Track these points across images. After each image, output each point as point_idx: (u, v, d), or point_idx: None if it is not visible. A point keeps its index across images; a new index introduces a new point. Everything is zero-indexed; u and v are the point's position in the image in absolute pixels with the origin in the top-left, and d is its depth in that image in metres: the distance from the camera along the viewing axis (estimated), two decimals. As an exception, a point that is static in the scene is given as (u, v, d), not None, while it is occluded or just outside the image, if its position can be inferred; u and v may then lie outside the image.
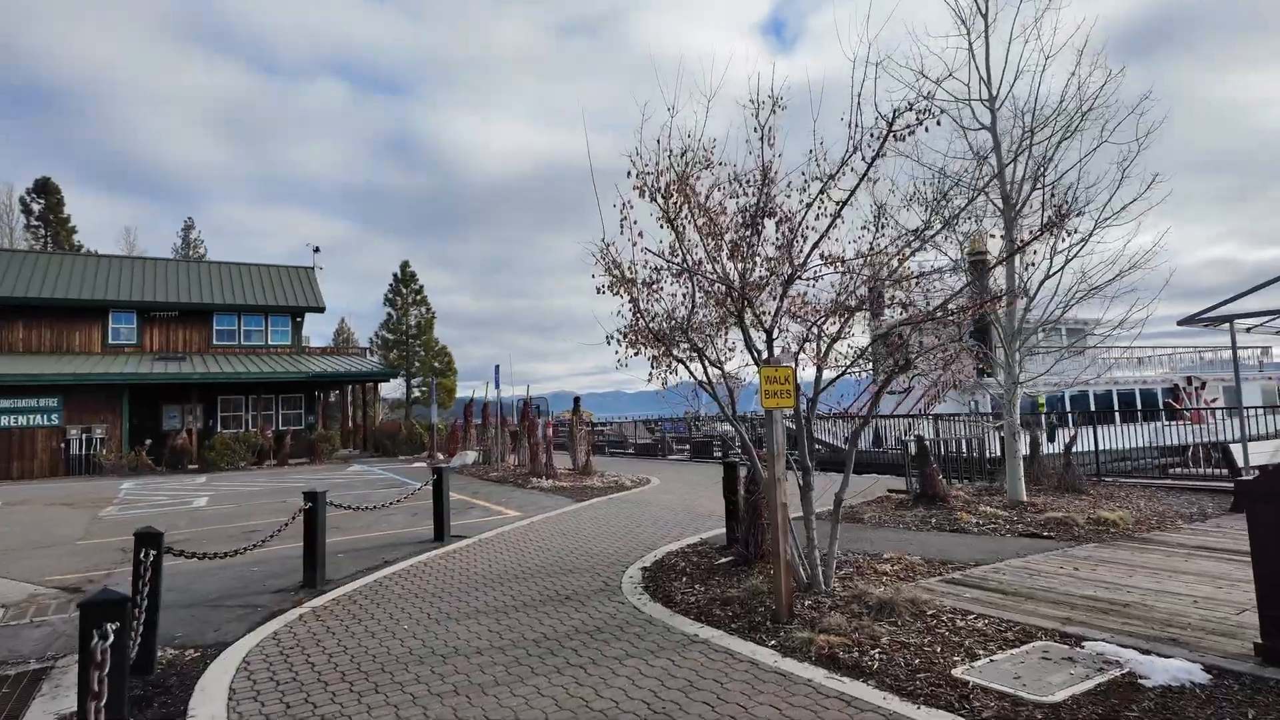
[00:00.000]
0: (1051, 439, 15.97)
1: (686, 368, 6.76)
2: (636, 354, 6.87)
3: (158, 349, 32.76)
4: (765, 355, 6.12)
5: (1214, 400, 31.83)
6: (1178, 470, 16.52)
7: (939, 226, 6.29)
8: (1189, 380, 31.73)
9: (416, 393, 39.56)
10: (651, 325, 6.65)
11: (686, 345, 6.62)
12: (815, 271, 5.98)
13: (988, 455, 15.24)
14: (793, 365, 5.84)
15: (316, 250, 38.42)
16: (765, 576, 6.90)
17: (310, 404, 33.90)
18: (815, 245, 5.79)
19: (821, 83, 5.80)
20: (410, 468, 24.43)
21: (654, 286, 6.42)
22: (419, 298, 39.90)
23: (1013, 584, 6.46)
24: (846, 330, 6.39)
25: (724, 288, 6.10)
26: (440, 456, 26.39)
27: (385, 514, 12.67)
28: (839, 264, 5.87)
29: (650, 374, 6.76)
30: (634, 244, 6.45)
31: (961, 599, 6.04)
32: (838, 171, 5.64)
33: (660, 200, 6.16)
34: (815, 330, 6.11)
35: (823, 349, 6.25)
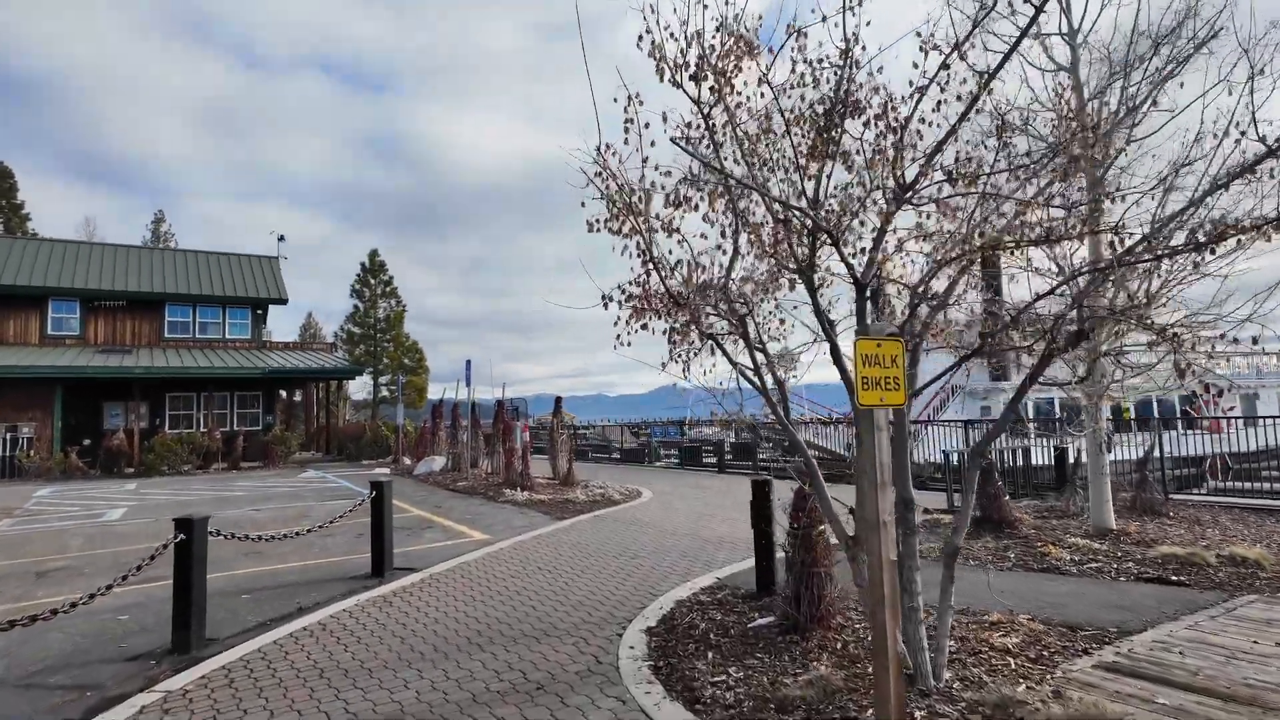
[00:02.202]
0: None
1: (719, 347, 4.55)
2: (644, 326, 4.66)
3: (103, 341, 30.03)
4: (853, 323, 3.92)
5: (1231, 409, 30.19)
6: (1242, 486, 14.55)
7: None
8: (1206, 388, 30.06)
9: (385, 392, 36.95)
10: (669, 282, 4.43)
11: (724, 312, 4.41)
12: (935, 191, 3.79)
13: (1034, 466, 13.19)
14: (901, 339, 3.65)
15: (281, 239, 35.84)
16: (833, 657, 4.70)
17: (269, 403, 31.31)
18: (941, 145, 3.59)
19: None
20: (371, 474, 21.98)
21: (682, 207, 4.19)
22: (389, 289, 37.19)
23: (1214, 676, 4.30)
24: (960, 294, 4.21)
25: (793, 218, 3.89)
26: (406, 461, 24.00)
27: (321, 535, 10.34)
28: (972, 182, 3.68)
29: (667, 357, 4.56)
30: (644, 159, 4.24)
31: (1154, 706, 3.87)
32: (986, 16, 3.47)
33: (692, 84, 3.94)
34: (922, 290, 3.91)
35: (930, 315, 4.06)
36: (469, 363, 18.26)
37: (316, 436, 32.67)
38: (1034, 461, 13.76)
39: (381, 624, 6.19)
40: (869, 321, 3.82)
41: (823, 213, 4.01)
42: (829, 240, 3.74)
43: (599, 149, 4.17)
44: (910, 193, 3.65)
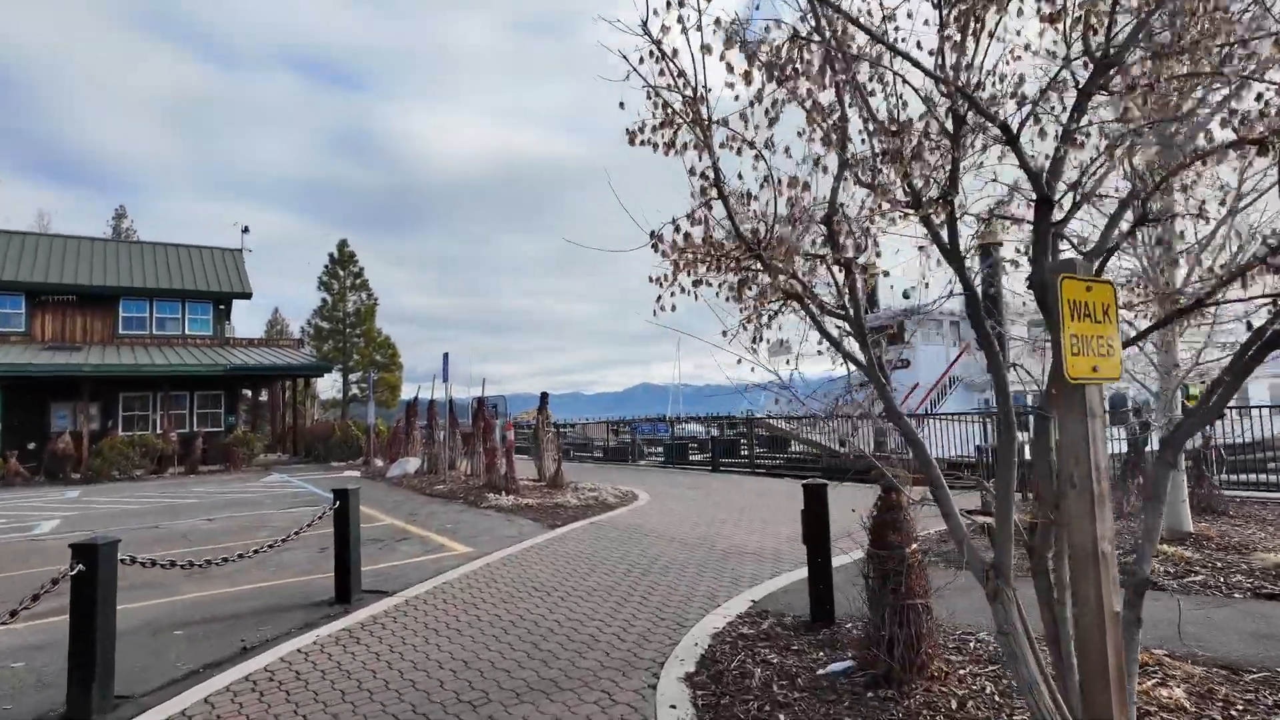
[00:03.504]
0: (1146, 440, 13.04)
1: (807, 309, 3.31)
2: (698, 282, 3.42)
3: (50, 338, 28.05)
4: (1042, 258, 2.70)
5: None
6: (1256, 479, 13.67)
7: None
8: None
9: (355, 390, 35.08)
10: (735, 216, 3.19)
11: (825, 253, 3.19)
12: (1145, 69, 2.59)
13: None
14: (1111, 283, 2.46)
15: (245, 230, 33.99)
16: (957, 724, 3.50)
17: (232, 403, 29.56)
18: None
19: None
20: (341, 477, 20.49)
21: (784, 83, 2.93)
22: (359, 281, 35.27)
23: None
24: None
25: (939, 95, 2.67)
26: (379, 463, 22.51)
27: (278, 551, 8.96)
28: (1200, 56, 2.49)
29: (742, 322, 3.32)
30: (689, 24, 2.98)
31: None
32: None
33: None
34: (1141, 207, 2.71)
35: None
36: (446, 356, 16.88)
37: (282, 438, 30.98)
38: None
39: (345, 671, 4.88)
40: (1048, 252, 2.61)
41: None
42: (1002, 137, 2.53)
43: (644, 22, 2.91)
44: (1114, 68, 2.46)
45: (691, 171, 3.28)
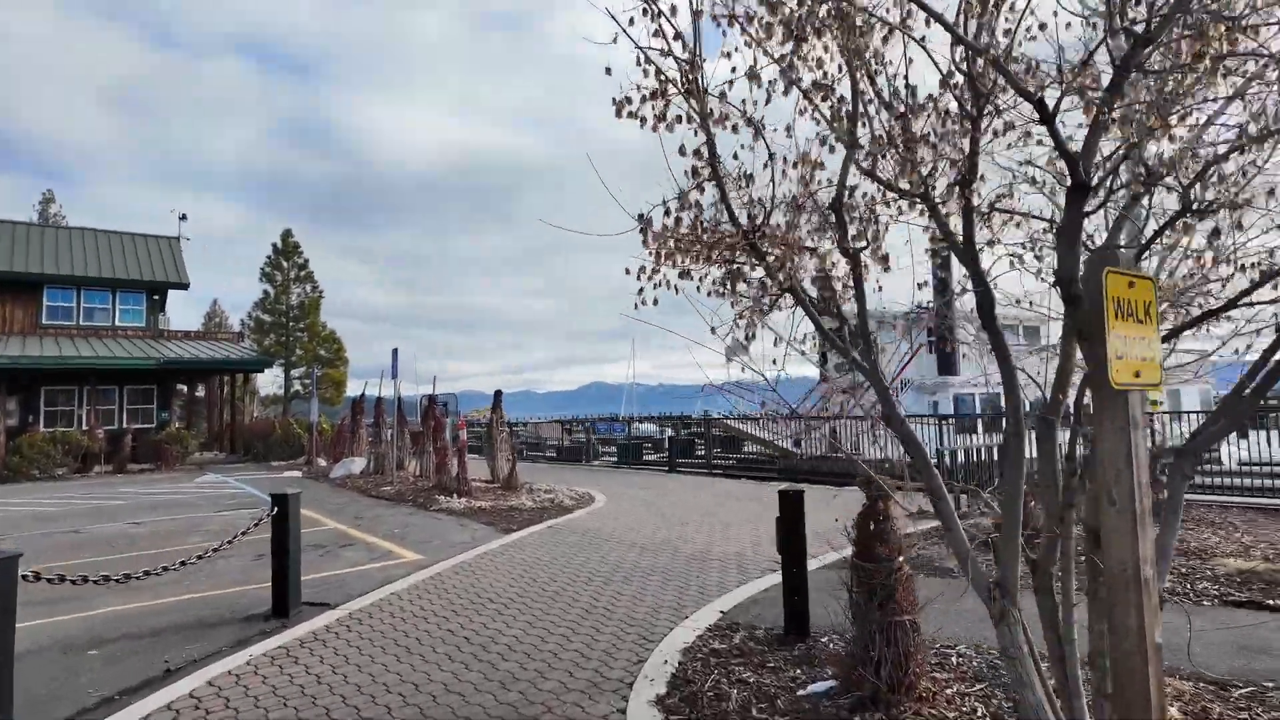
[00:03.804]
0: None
1: (804, 305, 3.03)
2: (684, 273, 3.11)
3: (-37, 327, 26.32)
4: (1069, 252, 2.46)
5: (1159, 403, 30.78)
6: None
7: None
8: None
9: (298, 386, 33.73)
10: (730, 200, 2.89)
11: (817, 245, 2.91)
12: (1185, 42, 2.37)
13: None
14: (1152, 279, 2.24)
15: (183, 218, 32.44)
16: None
17: (165, 398, 28.14)
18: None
19: None
20: (281, 478, 19.62)
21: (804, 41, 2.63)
22: (304, 273, 33.87)
23: None
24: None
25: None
26: (322, 463, 21.65)
27: (211, 559, 8.34)
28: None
29: (735, 318, 3.03)
30: None
31: None
32: None
33: None
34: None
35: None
36: (395, 351, 16.24)
37: (220, 435, 29.68)
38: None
39: (280, 697, 4.43)
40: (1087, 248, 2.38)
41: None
42: (1033, 116, 2.28)
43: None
44: (1151, 45, 2.24)
45: (682, 151, 2.96)
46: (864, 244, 2.88)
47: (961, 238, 2.74)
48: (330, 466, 19.68)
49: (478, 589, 6.86)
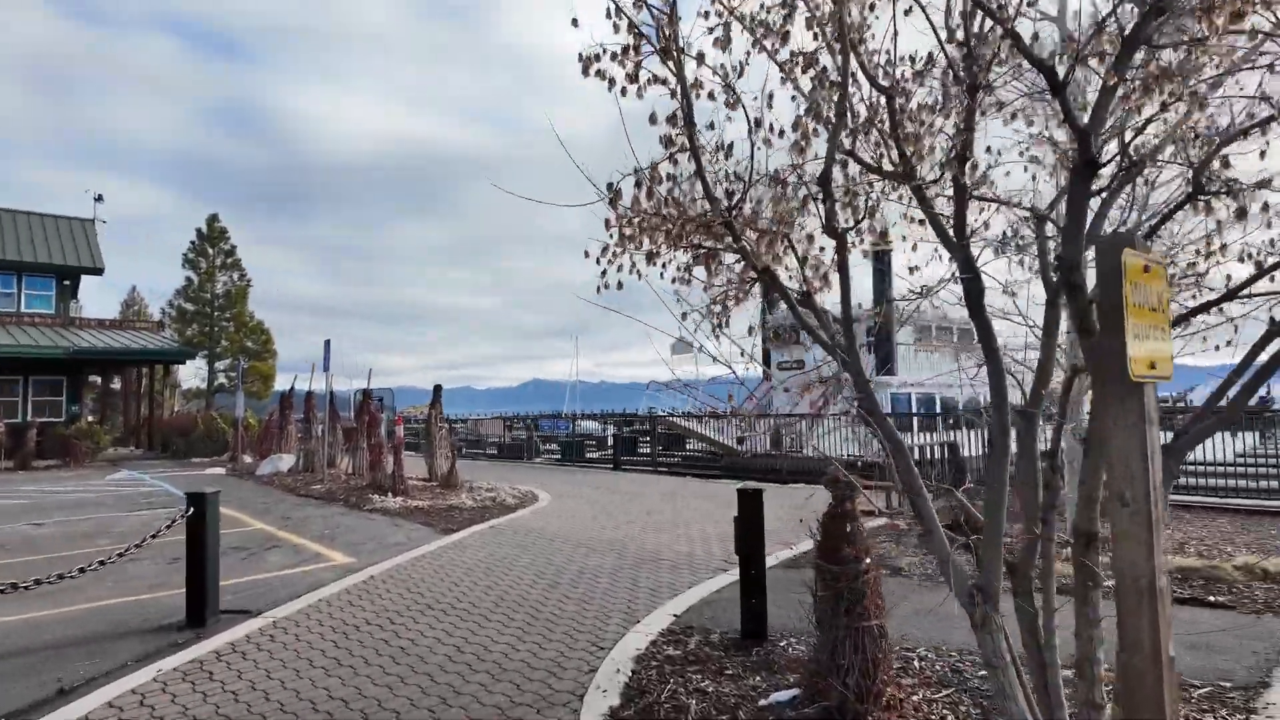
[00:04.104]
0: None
1: (781, 291, 2.81)
2: (652, 255, 2.86)
3: None
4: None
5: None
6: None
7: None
8: (1064, 385, 31.67)
9: (223, 379, 32.02)
10: (706, 174, 2.64)
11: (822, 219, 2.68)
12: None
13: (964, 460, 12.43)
14: (1164, 262, 2.08)
15: (99, 199, 30.47)
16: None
17: (76, 390, 26.42)
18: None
19: None
20: (202, 475, 18.57)
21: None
22: (230, 260, 32.12)
23: None
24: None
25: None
26: (248, 460, 20.62)
27: (120, 562, 7.68)
28: None
29: (710, 304, 2.78)
30: None
31: None
32: None
33: None
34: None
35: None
36: (328, 343, 15.50)
37: (137, 430, 28.05)
38: (967, 454, 13.03)
39: (191, 718, 3.99)
40: (1094, 230, 2.21)
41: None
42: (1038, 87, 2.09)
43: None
44: (1164, 14, 2.08)
45: (653, 119, 2.70)
46: (852, 223, 2.67)
47: (952, 220, 2.55)
48: (257, 464, 18.73)
49: (415, 594, 6.45)
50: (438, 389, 15.69)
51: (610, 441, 29.39)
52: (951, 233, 2.58)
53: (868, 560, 3.79)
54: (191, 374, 33.37)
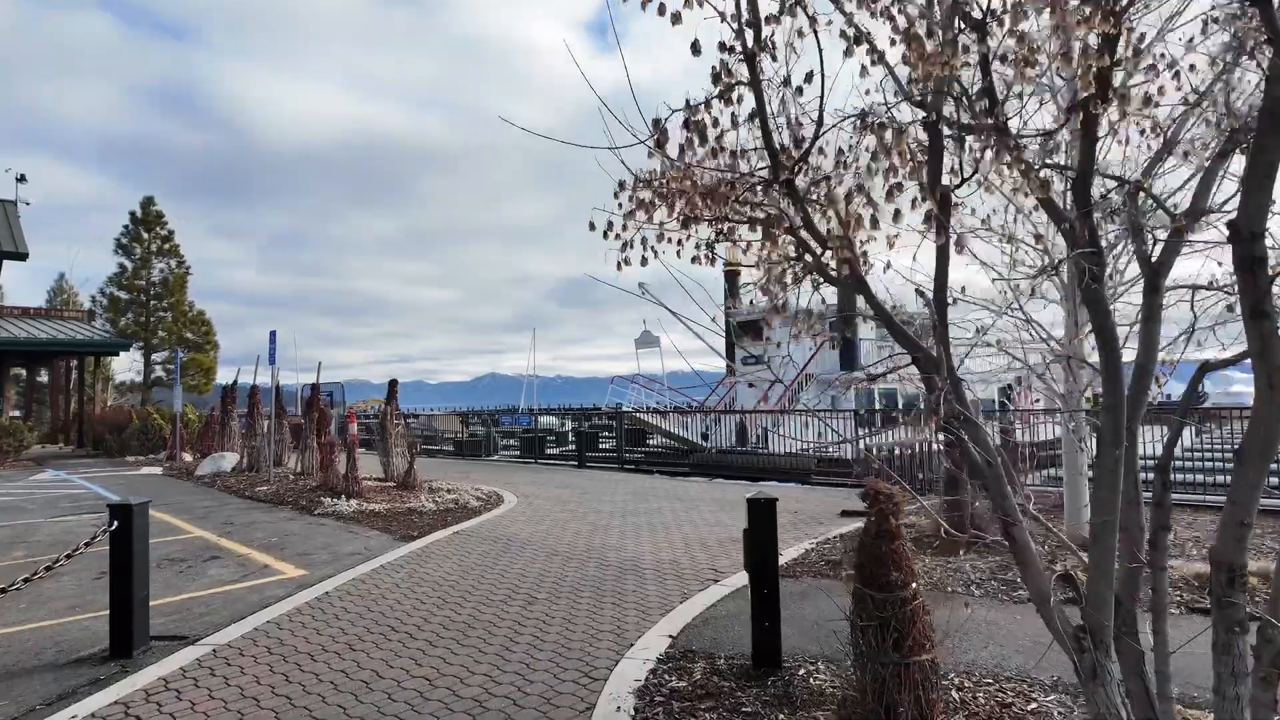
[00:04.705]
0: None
1: (861, 281, 2.28)
2: (690, 221, 2.30)
3: None
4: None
5: (1036, 401, 32.63)
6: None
7: None
8: (1019, 380, 32.23)
9: (160, 372, 30.28)
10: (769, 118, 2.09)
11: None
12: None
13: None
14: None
15: (22, 179, 28.46)
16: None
17: (-2, 383, 24.67)
18: None
19: None
20: (137, 475, 17.38)
21: None
22: (168, 246, 30.16)
23: None
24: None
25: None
26: (187, 458, 19.41)
27: (37, 580, 6.80)
28: None
29: (764, 282, 2.24)
30: None
31: None
32: None
33: None
34: None
35: None
36: (273, 334, 14.53)
37: (66, 426, 26.38)
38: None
39: (109, 784, 3.30)
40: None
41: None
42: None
43: None
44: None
45: (695, 49, 2.13)
46: (959, 180, 2.15)
47: (1073, 180, 2.04)
48: (197, 463, 17.60)
49: (376, 614, 5.78)
50: (393, 384, 14.86)
51: (572, 438, 28.79)
52: (1071, 197, 2.07)
53: (915, 584, 3.30)
54: (126, 366, 31.53)
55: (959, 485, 7.65)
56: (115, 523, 5.09)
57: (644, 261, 2.49)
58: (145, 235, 29.82)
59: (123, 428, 23.13)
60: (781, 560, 7.27)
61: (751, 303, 28.90)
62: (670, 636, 5.06)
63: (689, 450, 22.83)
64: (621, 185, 2.52)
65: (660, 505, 11.01)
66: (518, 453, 25.88)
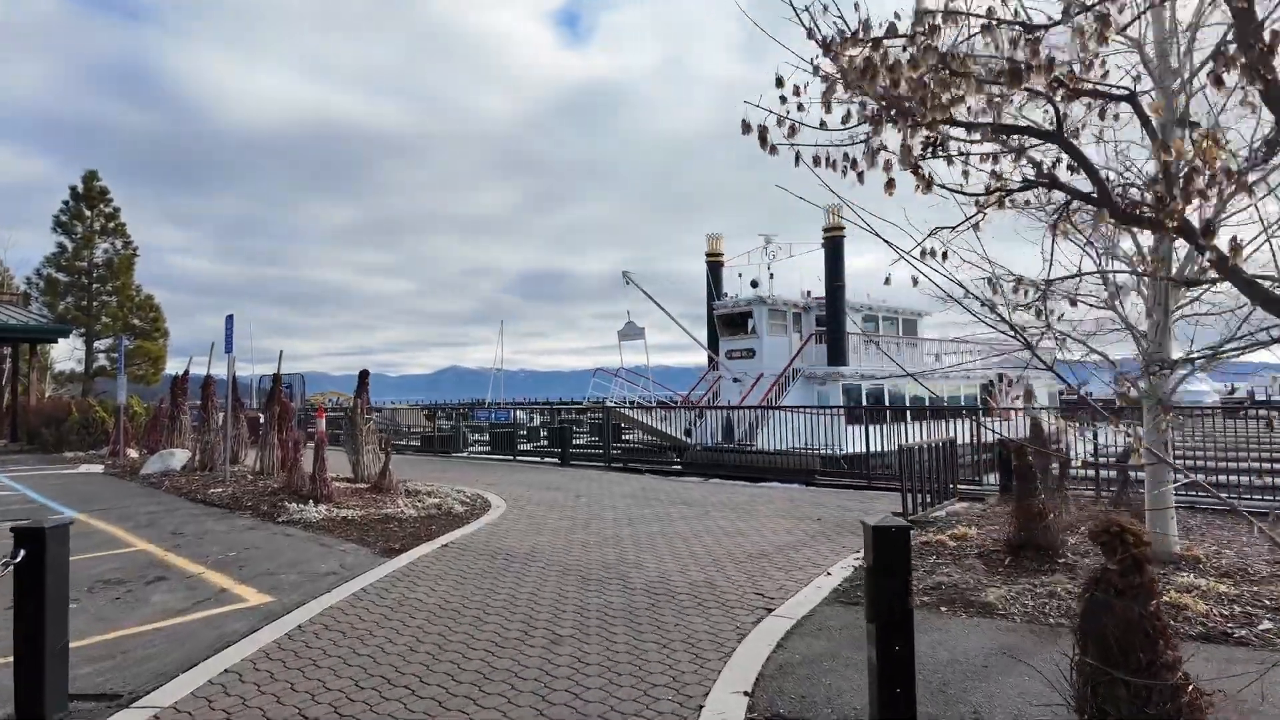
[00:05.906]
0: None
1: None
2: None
3: None
4: None
5: (1017, 399, 32.31)
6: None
7: None
8: (1000, 377, 31.89)
9: (104, 361, 28.12)
10: None
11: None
12: None
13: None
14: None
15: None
16: None
17: (-81, 372, 22.56)
18: None
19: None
20: (75, 474, 15.77)
21: None
22: (113, 225, 27.78)
23: None
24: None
25: None
26: (132, 455, 17.78)
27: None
28: None
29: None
30: None
31: None
32: None
33: None
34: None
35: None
36: (230, 319, 13.09)
37: (3, 419, 24.32)
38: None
39: None
40: None
41: None
42: None
43: None
44: None
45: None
46: None
47: None
48: (143, 460, 16.05)
49: (364, 659, 4.64)
50: (364, 375, 13.57)
51: (545, 433, 27.59)
52: None
53: (1181, 660, 2.31)
54: (66, 354, 29.30)
55: (1029, 484, 6.78)
56: (22, 552, 3.87)
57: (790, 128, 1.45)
58: (88, 213, 27.64)
59: (61, 421, 21.28)
60: (833, 580, 6.33)
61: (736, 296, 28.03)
62: (745, 694, 4.02)
63: (681, 449, 21.88)
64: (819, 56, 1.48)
65: (668, 511, 9.97)
66: (489, 449, 24.67)
